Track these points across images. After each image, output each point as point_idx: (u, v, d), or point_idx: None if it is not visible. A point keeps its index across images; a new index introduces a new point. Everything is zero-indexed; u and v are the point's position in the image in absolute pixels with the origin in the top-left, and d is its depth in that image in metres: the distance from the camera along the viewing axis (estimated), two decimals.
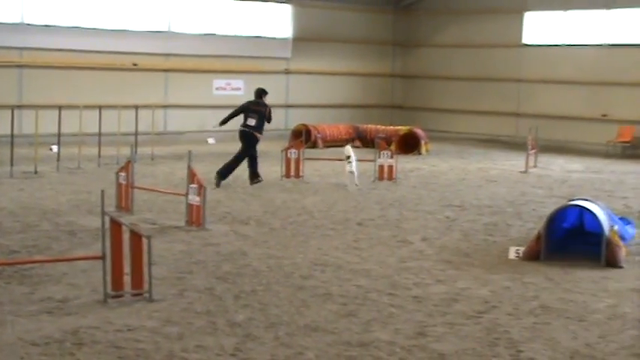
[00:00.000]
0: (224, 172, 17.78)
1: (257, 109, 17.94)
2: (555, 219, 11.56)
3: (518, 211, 15.44)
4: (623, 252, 11.16)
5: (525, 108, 30.59)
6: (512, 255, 11.42)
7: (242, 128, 17.91)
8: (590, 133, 28.88)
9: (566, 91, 29.78)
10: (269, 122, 18.23)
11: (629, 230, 12.92)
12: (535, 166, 22.84)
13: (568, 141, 29.12)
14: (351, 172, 17.81)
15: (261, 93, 18.24)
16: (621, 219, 13.19)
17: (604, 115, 28.77)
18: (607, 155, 27.33)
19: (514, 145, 28.14)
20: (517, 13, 30.84)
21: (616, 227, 11.49)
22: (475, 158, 25.38)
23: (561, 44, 29.95)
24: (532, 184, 19.70)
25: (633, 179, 21.16)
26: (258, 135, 17.94)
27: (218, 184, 17.46)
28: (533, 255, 11.21)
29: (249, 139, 17.83)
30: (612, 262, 10.87)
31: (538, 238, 11.30)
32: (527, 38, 30.86)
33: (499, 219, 14.56)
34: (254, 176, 18.00)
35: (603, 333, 8.12)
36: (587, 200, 12.03)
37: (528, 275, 10.35)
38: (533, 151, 23.10)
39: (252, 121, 17.80)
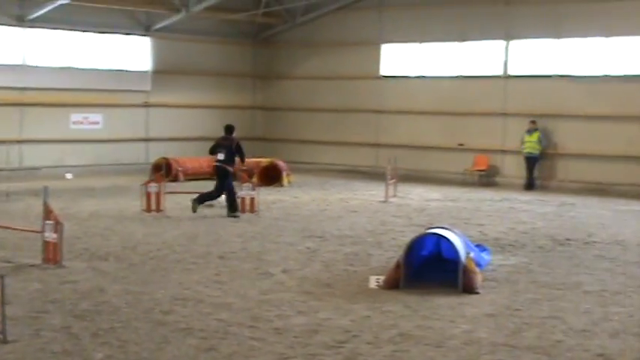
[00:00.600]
0: (201, 199, 19.01)
1: (224, 143, 19.09)
2: (414, 247, 11.75)
3: (378, 241, 15.64)
4: (479, 278, 11.43)
5: (385, 138, 31.12)
6: (372, 284, 11.54)
7: (215, 163, 19.12)
8: (448, 163, 29.60)
9: (423, 121, 30.46)
10: (241, 155, 19.20)
11: (485, 257, 13.27)
12: (395, 196, 23.23)
13: (426, 170, 29.75)
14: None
15: (228, 128, 19.52)
16: (477, 246, 13.53)
17: (460, 145, 29.54)
18: (464, 184, 28.07)
19: (374, 175, 28.56)
20: (374, 45, 31.41)
21: (472, 254, 11.76)
22: (336, 189, 25.64)
23: (418, 76, 30.66)
24: (392, 213, 20.01)
25: (489, 207, 21.77)
26: (229, 167, 18.89)
27: (195, 210, 18.80)
28: (393, 283, 11.36)
29: (220, 172, 18.95)
30: (469, 289, 11.12)
31: (397, 266, 11.46)
32: (385, 70, 31.46)
33: (360, 249, 14.72)
34: (232, 209, 18.77)
35: (460, 358, 8.28)
36: (444, 228, 12.28)
37: (388, 303, 10.48)
38: (393, 180, 23.50)
39: (221, 156, 18.92)
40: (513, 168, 28.29)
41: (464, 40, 29.47)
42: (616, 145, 26.42)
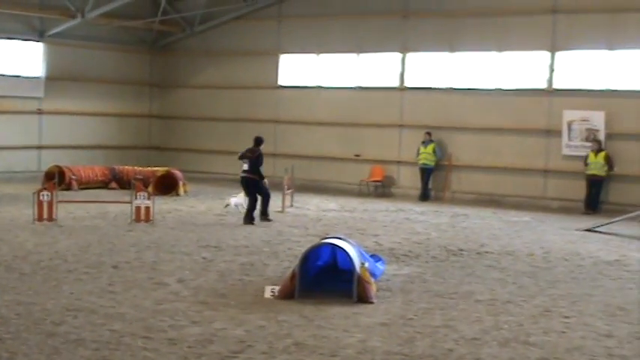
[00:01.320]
0: (251, 216, 19.85)
1: (249, 155, 20.21)
2: (309, 257, 11.78)
3: (274, 251, 15.64)
4: (373, 288, 11.54)
5: (282, 148, 31.15)
6: (267, 294, 11.53)
7: (240, 174, 20.30)
8: (345, 173, 29.82)
9: (321, 131, 30.62)
10: (259, 165, 20.17)
11: (380, 267, 13.40)
12: (291, 206, 23.29)
13: (323, 180, 29.93)
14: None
15: (256, 140, 20.63)
16: (372, 256, 13.65)
17: (357, 156, 29.79)
18: (360, 194, 28.32)
19: (271, 185, 28.46)
20: (273, 55, 31.47)
21: (367, 264, 11.85)
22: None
23: (316, 86, 30.82)
24: (288, 223, 20.05)
25: (384, 217, 22.00)
26: (251, 176, 19.95)
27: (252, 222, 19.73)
28: (288, 293, 11.37)
29: (245, 182, 20.16)
30: (363, 298, 11.20)
31: (292, 276, 11.48)
32: (283, 80, 31.54)
33: (256, 259, 14.69)
34: (264, 214, 20.22)
35: None
36: (339, 238, 12.35)
37: (283, 313, 10.48)
38: (290, 190, 23.56)
39: (245, 166, 20.13)
40: (409, 179, 28.67)
41: (361, 52, 29.76)
42: (509, 157, 27.03)
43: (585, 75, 26.25)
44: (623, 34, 25.42)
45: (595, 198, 25.18)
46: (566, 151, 26.30)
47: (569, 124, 26.17)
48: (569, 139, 26.22)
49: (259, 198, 20.23)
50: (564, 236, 19.29)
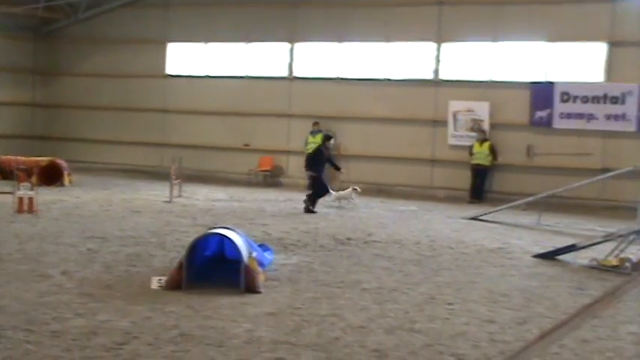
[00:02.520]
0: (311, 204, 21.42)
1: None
2: (196, 248, 11.68)
3: (161, 241, 15.46)
4: (261, 278, 11.52)
5: (170, 138, 30.87)
6: (154, 285, 11.40)
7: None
8: (234, 163, 29.73)
9: (209, 121, 30.44)
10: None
11: (268, 256, 13.38)
12: (180, 196, 23.09)
13: (212, 170, 29.77)
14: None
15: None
16: (260, 246, 13.62)
17: (246, 145, 29.73)
18: (249, 184, 28.29)
19: (159, 175, 28.24)
20: (160, 43, 31.12)
21: (255, 254, 11.82)
22: (120, 189, 25.20)
23: (204, 76, 30.61)
24: (176, 213, 19.86)
25: (273, 207, 22.03)
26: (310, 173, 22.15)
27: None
28: (175, 284, 11.25)
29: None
30: (251, 288, 11.18)
31: (179, 267, 11.37)
32: (170, 69, 31.21)
33: (142, 249, 14.50)
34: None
35: (240, 357, 8.31)
36: (227, 228, 12.29)
37: (170, 304, 10.37)
38: (178, 181, 23.35)
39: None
40: (297, 169, 28.73)
41: (250, 41, 29.68)
42: (396, 147, 27.38)
43: (470, 66, 26.79)
44: (506, 26, 26.01)
45: (480, 187, 25.75)
46: (451, 141, 26.81)
47: (455, 115, 26.68)
48: (455, 129, 26.73)
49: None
50: (450, 225, 19.66)
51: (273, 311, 10.24)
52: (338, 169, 23.29)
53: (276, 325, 9.55)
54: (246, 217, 19.67)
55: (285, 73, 29.31)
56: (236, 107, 29.92)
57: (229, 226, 12.76)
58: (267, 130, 29.51)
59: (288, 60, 29.20)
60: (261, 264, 12.06)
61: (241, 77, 30.02)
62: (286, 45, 29.16)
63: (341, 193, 22.85)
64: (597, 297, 5.67)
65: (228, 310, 10.22)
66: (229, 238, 11.68)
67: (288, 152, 29.27)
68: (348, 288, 11.81)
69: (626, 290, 5.18)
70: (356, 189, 22.85)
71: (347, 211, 21.56)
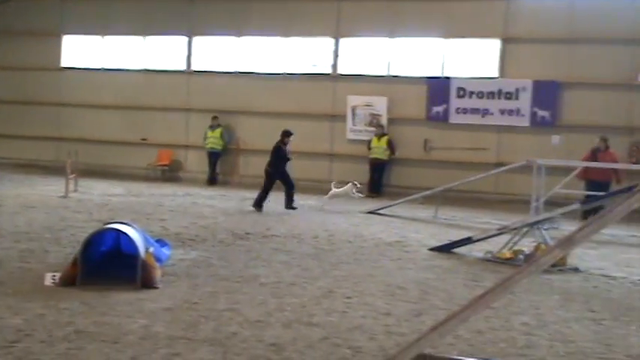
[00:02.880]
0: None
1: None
2: (92, 243, 11.49)
3: (56, 237, 15.17)
4: (158, 273, 11.40)
5: (66, 132, 30.32)
6: (48, 281, 11.16)
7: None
8: (131, 157, 29.38)
9: (106, 115, 30.01)
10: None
11: (165, 252, 13.27)
12: (75, 191, 22.70)
13: (109, 165, 29.37)
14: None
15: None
16: (158, 241, 13.49)
17: (143, 140, 29.39)
18: (147, 178, 27.98)
19: (55, 169, 27.70)
20: (55, 36, 30.51)
21: (152, 249, 11.70)
22: (13, 184, 24.63)
23: (101, 69, 30.13)
24: (72, 208, 19.51)
25: (171, 202, 21.83)
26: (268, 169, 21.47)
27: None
28: (70, 280, 11.04)
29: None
30: (148, 283, 11.05)
31: (74, 263, 11.16)
32: (66, 62, 30.63)
33: (36, 245, 14.19)
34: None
35: (136, 353, 8.20)
36: (123, 223, 12.12)
37: (64, 301, 10.17)
38: (73, 175, 22.95)
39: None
40: (196, 163, 28.60)
41: (148, 35, 29.34)
42: (295, 142, 27.31)
43: (368, 61, 27.03)
44: (403, 23, 26.33)
45: (378, 181, 26.01)
46: (350, 136, 27.02)
47: (353, 109, 26.89)
48: (354, 123, 26.94)
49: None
50: (348, 219, 19.79)
51: (169, 306, 10.14)
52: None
53: (172, 321, 9.46)
54: (144, 212, 19.44)
55: (183, 67, 29.07)
56: (134, 101, 29.56)
57: (126, 221, 12.57)
58: (166, 124, 29.24)
59: (187, 53, 28.96)
60: (158, 259, 11.95)
61: (139, 71, 29.66)
62: (184, 39, 28.92)
63: (339, 190, 22.40)
64: (488, 288, 5.79)
65: (124, 306, 10.08)
66: (125, 233, 11.52)
67: (186, 147, 29.06)
68: (246, 283, 11.78)
69: (516, 281, 5.29)
70: (355, 183, 22.45)
71: (246, 206, 21.51)
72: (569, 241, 5.39)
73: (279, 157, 21.40)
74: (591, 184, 20.64)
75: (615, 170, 20.63)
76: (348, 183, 22.42)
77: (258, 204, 20.87)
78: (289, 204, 21.23)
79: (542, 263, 5.31)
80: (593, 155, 21.25)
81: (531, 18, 25.28)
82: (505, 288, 5.37)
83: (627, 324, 10.03)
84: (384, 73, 26.77)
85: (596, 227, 5.07)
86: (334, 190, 22.34)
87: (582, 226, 5.28)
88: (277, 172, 21.32)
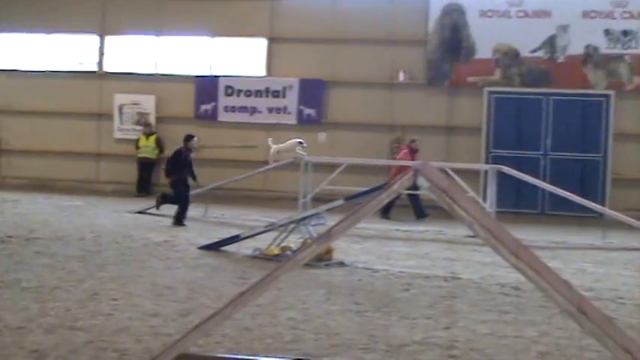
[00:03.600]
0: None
1: None
2: None
3: None
4: None
5: None
6: None
7: None
8: None
9: None
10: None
11: None
12: None
13: None
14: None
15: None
16: None
17: None
18: None
19: None
20: None
21: None
22: None
23: None
24: None
25: None
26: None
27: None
28: None
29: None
30: None
31: None
32: None
33: None
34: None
35: None
36: None
37: None
38: None
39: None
40: None
41: None
42: (61, 141, 26.67)
43: (136, 59, 26.70)
44: (170, 20, 26.18)
45: (147, 180, 25.74)
46: (118, 135, 26.61)
47: (121, 108, 26.49)
48: (121, 122, 26.53)
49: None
50: (116, 219, 19.47)
51: None
52: (194, 178, 19.72)
53: None
54: None
55: None
56: None
57: None
58: None
59: None
60: None
61: None
62: None
63: (282, 146, 21.17)
64: (250, 284, 5.85)
65: None
66: None
67: None
68: (7, 288, 11.32)
69: (276, 277, 5.37)
70: (301, 142, 21.24)
71: (8, 208, 20.69)
72: (326, 236, 5.53)
73: (177, 162, 19.41)
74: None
75: None
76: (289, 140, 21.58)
77: (179, 219, 18.93)
78: (180, 220, 19.01)
79: (300, 259, 5.42)
80: (411, 155, 21.73)
81: (296, 18, 25.77)
82: (266, 284, 5.43)
83: (389, 314, 10.41)
84: (152, 72, 26.51)
85: (351, 222, 5.23)
86: (277, 146, 21.29)
87: (338, 222, 5.43)
88: (182, 180, 19.31)
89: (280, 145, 21.60)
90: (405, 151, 22.12)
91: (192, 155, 19.98)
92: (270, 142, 21.51)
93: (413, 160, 21.12)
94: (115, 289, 11.54)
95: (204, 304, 10.80)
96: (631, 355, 4.87)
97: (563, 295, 5.04)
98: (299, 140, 21.49)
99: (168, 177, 19.63)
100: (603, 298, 11.82)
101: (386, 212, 21.04)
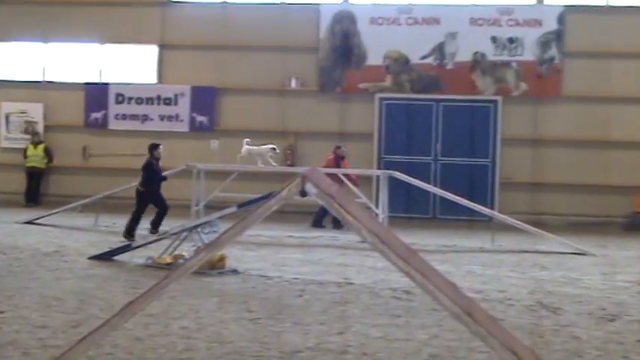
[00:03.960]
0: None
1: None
2: None
3: None
4: None
5: None
6: None
7: None
8: None
9: None
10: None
11: None
12: None
13: None
14: None
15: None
16: None
17: None
18: None
19: None
20: None
21: None
22: None
23: None
24: None
25: None
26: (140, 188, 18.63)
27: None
28: None
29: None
30: None
31: None
32: None
33: None
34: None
35: None
36: None
37: None
38: None
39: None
40: None
41: None
42: None
43: (23, 67, 26.18)
44: (58, 27, 25.73)
45: (35, 190, 25.22)
46: (5, 144, 26.06)
47: (8, 116, 25.96)
48: (8, 131, 25.96)
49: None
50: (3, 229, 19.01)
51: None
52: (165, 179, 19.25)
53: None
54: None
55: None
56: None
57: None
58: None
59: None
60: None
61: None
62: None
63: (255, 148, 20.06)
64: (137, 295, 5.78)
65: None
66: None
67: None
68: None
69: (164, 286, 5.32)
70: (274, 148, 20.30)
71: None
72: (214, 244, 5.51)
73: (154, 173, 18.77)
74: None
75: (349, 176, 20.75)
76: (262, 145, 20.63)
77: (129, 232, 18.08)
78: (155, 227, 18.51)
79: (189, 266, 5.38)
80: (337, 162, 21.55)
81: (187, 25, 25.62)
82: (154, 293, 5.38)
83: (282, 321, 10.41)
84: (40, 79, 25.98)
85: (239, 229, 5.23)
86: (249, 147, 20.26)
87: (226, 230, 5.41)
88: (151, 193, 18.64)
89: (254, 147, 20.50)
90: (330, 157, 21.88)
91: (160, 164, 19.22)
92: (244, 143, 20.83)
93: (339, 167, 21.03)
94: (2, 301, 11.24)
95: (94, 314, 10.61)
96: (516, 355, 4.99)
97: (449, 298, 5.13)
98: (272, 146, 20.68)
99: (142, 188, 18.75)
100: (492, 300, 12.08)
101: (318, 222, 21.18)
